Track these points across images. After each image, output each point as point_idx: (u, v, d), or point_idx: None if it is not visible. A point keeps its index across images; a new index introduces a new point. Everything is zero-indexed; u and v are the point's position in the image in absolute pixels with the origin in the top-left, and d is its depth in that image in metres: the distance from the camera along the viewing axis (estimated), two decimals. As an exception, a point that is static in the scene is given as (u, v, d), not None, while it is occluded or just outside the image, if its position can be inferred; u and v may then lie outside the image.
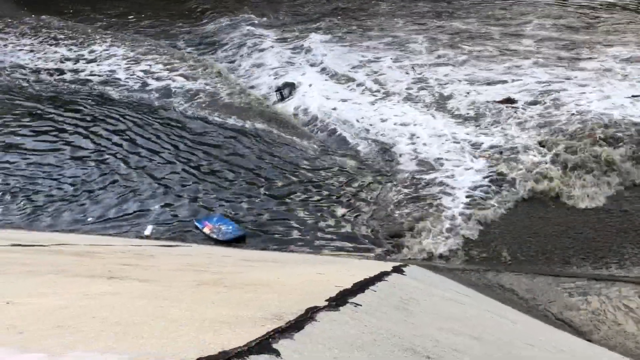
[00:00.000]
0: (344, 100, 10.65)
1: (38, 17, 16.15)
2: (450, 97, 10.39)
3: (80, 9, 17.25)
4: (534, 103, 9.79)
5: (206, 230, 6.89)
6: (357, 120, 9.85)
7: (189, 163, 8.71)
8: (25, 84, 12.13)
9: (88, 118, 10.32)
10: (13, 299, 2.10)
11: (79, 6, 17.53)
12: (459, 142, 8.83)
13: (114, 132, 9.76)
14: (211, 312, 2.08)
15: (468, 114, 9.73)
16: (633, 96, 9.56)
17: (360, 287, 2.86)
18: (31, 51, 13.93)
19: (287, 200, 7.67)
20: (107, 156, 8.93)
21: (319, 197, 7.70)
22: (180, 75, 12.25)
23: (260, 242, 6.80)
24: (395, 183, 7.94)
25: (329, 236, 6.88)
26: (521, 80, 10.76)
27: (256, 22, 15.60)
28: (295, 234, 6.93)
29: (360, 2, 16.75)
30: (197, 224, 7.06)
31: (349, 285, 2.80)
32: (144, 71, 12.57)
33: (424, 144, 8.89)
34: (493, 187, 7.55)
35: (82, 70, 12.79)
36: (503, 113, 9.57)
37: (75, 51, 13.80)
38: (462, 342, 2.48)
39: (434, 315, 3.07)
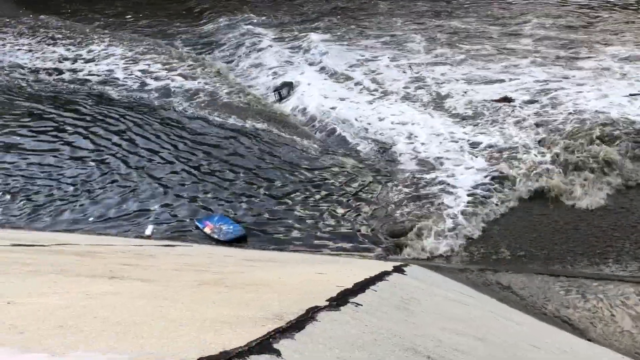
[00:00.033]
0: (343, 100, 10.65)
1: (36, 17, 16.16)
2: (448, 96, 10.40)
3: (78, 9, 17.26)
4: (532, 102, 9.80)
5: (207, 230, 6.88)
6: (356, 120, 9.86)
7: (189, 163, 8.71)
8: (24, 84, 12.14)
9: (88, 118, 10.33)
10: (14, 298, 2.10)
11: (76, 6, 17.55)
12: (457, 142, 8.83)
13: (114, 131, 9.77)
14: (212, 312, 2.08)
15: (466, 113, 9.74)
16: (631, 95, 9.56)
17: (361, 287, 2.86)
18: (29, 51, 13.94)
19: (287, 199, 7.67)
20: (107, 156, 8.93)
21: (319, 197, 7.70)
22: (179, 74, 12.25)
23: (260, 242, 6.80)
24: (395, 182, 7.94)
25: (329, 236, 6.87)
26: (519, 79, 10.77)
27: (255, 21, 15.61)
28: (295, 234, 6.93)
29: (359, 1, 16.76)
30: (197, 223, 7.06)
31: (349, 285, 2.80)
32: (143, 71, 12.58)
33: (423, 143, 8.89)
34: (494, 187, 7.54)
35: (81, 70, 12.80)
36: (501, 112, 9.58)
37: (73, 51, 13.81)
38: (465, 342, 2.48)
39: (436, 315, 3.07)
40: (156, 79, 12.16)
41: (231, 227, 6.91)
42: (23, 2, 17.60)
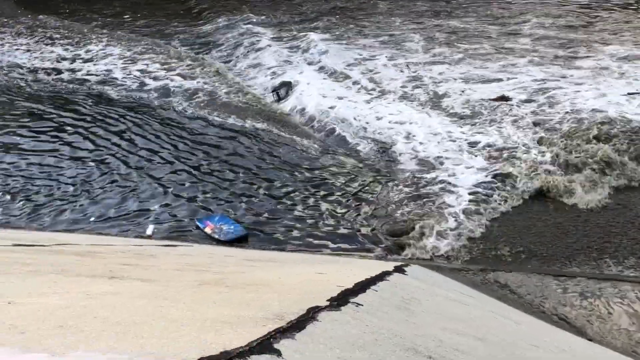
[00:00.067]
0: (341, 99, 10.64)
1: (35, 17, 16.16)
2: (445, 95, 10.41)
3: (76, 9, 17.26)
4: (530, 101, 9.81)
5: (208, 230, 6.88)
6: (355, 119, 9.86)
7: (189, 163, 8.71)
8: (23, 84, 12.14)
9: (87, 118, 10.33)
10: (15, 298, 2.10)
11: (75, 6, 17.54)
12: (455, 141, 8.84)
13: (114, 131, 9.77)
14: (212, 312, 2.08)
15: (464, 112, 9.75)
16: (629, 94, 9.57)
17: (362, 286, 2.85)
18: (28, 50, 13.95)
19: (287, 199, 7.67)
20: (107, 156, 8.93)
21: (319, 197, 7.70)
22: (178, 74, 12.25)
23: (260, 242, 6.79)
24: (395, 182, 7.93)
25: (329, 236, 6.87)
26: (517, 78, 10.79)
27: (254, 20, 15.60)
28: (295, 234, 6.92)
29: (358, 1, 16.77)
30: (198, 223, 7.06)
31: (350, 285, 2.80)
32: (141, 70, 12.58)
33: (422, 143, 8.89)
34: (494, 186, 7.54)
35: (79, 70, 12.80)
36: (498, 111, 9.58)
37: (71, 51, 13.81)
38: (466, 342, 2.48)
39: (437, 315, 3.07)
40: (155, 78, 12.16)
41: (232, 227, 6.91)
42: (22, 2, 17.61)
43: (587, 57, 11.50)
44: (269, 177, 8.25)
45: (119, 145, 9.26)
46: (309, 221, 7.14)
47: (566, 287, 5.27)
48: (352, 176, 8.19)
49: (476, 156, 8.35)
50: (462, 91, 10.46)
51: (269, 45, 13.62)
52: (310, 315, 2.05)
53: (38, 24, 15.70)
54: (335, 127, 9.69)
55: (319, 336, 1.87)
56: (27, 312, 1.92)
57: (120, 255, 4.37)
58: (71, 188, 8.06)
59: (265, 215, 7.33)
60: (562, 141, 8.33)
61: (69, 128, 9.94)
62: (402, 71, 11.65)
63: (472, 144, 8.69)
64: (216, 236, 6.76)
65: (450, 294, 4.07)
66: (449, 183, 7.70)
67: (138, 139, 9.51)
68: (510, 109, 9.56)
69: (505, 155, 8.24)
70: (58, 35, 14.77)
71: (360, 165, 8.54)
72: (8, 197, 7.84)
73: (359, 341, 1.98)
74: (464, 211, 7.03)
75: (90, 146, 9.28)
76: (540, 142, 8.48)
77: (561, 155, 7.96)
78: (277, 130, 9.82)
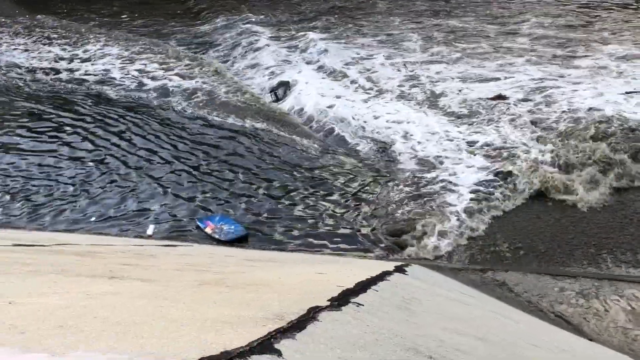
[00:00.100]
0: (339, 98, 10.64)
1: (32, 17, 16.14)
2: (442, 94, 10.41)
3: (74, 9, 17.24)
4: (528, 100, 9.81)
5: (208, 230, 6.87)
6: (353, 118, 9.85)
7: (189, 163, 8.70)
8: (21, 84, 12.12)
9: (86, 118, 10.31)
10: (15, 298, 2.09)
11: (72, 5, 17.52)
12: (452, 140, 8.84)
13: (113, 132, 9.76)
14: (213, 312, 2.08)
15: (461, 111, 9.75)
16: (627, 92, 9.57)
17: (363, 286, 2.85)
18: (26, 50, 13.93)
19: (287, 199, 7.66)
20: (107, 156, 8.92)
21: (319, 197, 7.69)
22: (176, 74, 12.23)
23: (260, 242, 6.79)
24: (395, 182, 7.93)
25: (329, 236, 6.86)
26: (514, 77, 10.79)
27: (253, 20, 15.60)
28: (295, 234, 6.91)
29: (357, 0, 16.76)
30: (199, 223, 7.05)
31: (351, 285, 2.80)
32: (139, 70, 12.56)
33: (420, 142, 8.90)
34: (494, 186, 7.54)
35: (77, 70, 12.78)
36: (496, 110, 9.58)
37: (69, 51, 13.79)
38: (466, 342, 2.47)
39: (438, 315, 3.07)
40: (153, 78, 12.15)
41: (232, 227, 6.90)
42: (20, 2, 17.58)
43: (586, 56, 11.51)
44: (268, 177, 8.24)
45: (118, 146, 9.25)
46: (309, 221, 7.14)
47: (567, 287, 5.27)
48: (352, 176, 8.18)
49: (475, 155, 8.35)
50: (460, 90, 10.47)
51: (268, 45, 13.62)
52: (311, 315, 2.04)
53: (36, 23, 15.69)
54: (334, 127, 9.69)
55: (320, 336, 1.86)
56: (27, 312, 1.91)
57: (120, 255, 4.36)
58: (71, 188, 8.05)
59: (265, 215, 7.32)
60: (560, 140, 8.33)
61: (68, 128, 9.93)
62: (399, 70, 11.65)
63: (471, 143, 8.69)
64: (216, 236, 6.76)
65: (451, 293, 4.07)
66: (450, 182, 7.70)
67: (137, 139, 9.50)
68: (508, 108, 9.56)
69: (504, 154, 8.24)
70: (56, 35, 14.75)
71: (360, 165, 8.53)
72: (8, 197, 7.83)
73: (359, 341, 1.98)
74: (465, 210, 7.03)
75: (90, 146, 9.27)
76: (539, 141, 8.48)
77: (560, 155, 7.96)
78: (277, 129, 9.81)
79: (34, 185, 8.11)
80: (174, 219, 7.29)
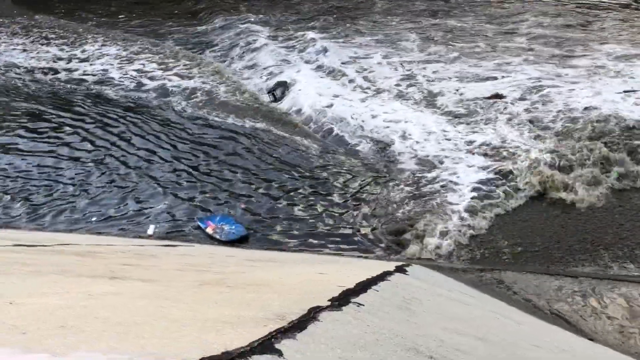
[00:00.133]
0: (338, 97, 10.63)
1: (30, 17, 16.13)
2: (440, 93, 10.41)
3: (72, 9, 17.22)
4: (525, 99, 9.81)
5: (209, 230, 6.88)
6: (352, 118, 9.85)
7: (189, 162, 8.71)
8: (20, 84, 12.12)
9: (86, 118, 10.31)
10: (16, 299, 2.09)
11: (70, 5, 17.51)
12: (450, 140, 8.85)
13: (113, 132, 9.76)
14: (213, 312, 2.08)
15: (459, 110, 9.75)
16: (625, 91, 9.57)
17: (363, 286, 2.85)
18: (24, 50, 13.92)
19: (287, 199, 7.66)
20: (106, 156, 8.92)
21: (318, 197, 7.70)
22: (175, 74, 12.21)
23: (260, 242, 6.79)
24: (395, 182, 7.93)
25: (329, 236, 6.87)
26: (511, 76, 10.80)
27: (252, 19, 15.59)
28: (296, 234, 6.92)
29: (356, 0, 16.75)
30: (199, 223, 7.05)
31: (351, 285, 2.80)
32: (138, 70, 12.54)
33: (418, 142, 8.89)
34: (495, 185, 7.54)
35: (76, 70, 12.77)
36: (493, 109, 9.59)
37: (67, 51, 13.77)
38: (466, 342, 2.48)
39: (438, 315, 3.07)
40: (152, 78, 12.14)
41: (233, 227, 6.91)
42: (18, 2, 17.56)
43: (584, 55, 11.51)
44: (268, 177, 8.25)
45: (118, 146, 9.25)
46: (309, 221, 7.14)
47: (566, 286, 5.27)
48: (352, 176, 8.18)
49: (474, 154, 8.35)
50: (457, 90, 10.47)
51: (266, 44, 13.61)
52: (312, 315, 2.04)
53: (33, 23, 15.68)
54: (333, 127, 9.69)
55: (320, 336, 1.86)
56: (27, 313, 1.91)
57: (120, 255, 4.36)
58: (70, 188, 8.05)
59: (265, 215, 7.33)
60: (559, 139, 8.33)
61: (68, 128, 9.93)
62: (396, 69, 11.66)
63: (469, 143, 8.69)
64: (217, 236, 6.76)
65: (451, 293, 4.07)
66: (451, 181, 7.70)
67: (137, 139, 9.50)
68: (505, 107, 9.57)
69: (504, 153, 8.24)
70: (53, 35, 14.74)
71: (360, 164, 8.53)
72: (8, 197, 7.84)
73: (360, 341, 1.98)
74: (466, 210, 7.03)
75: (90, 146, 9.27)
76: (537, 140, 8.48)
77: (559, 154, 7.96)
78: (276, 129, 9.81)
79: (33, 186, 8.11)
80: (174, 219, 7.30)
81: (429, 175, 7.93)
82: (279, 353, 1.59)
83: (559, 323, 4.71)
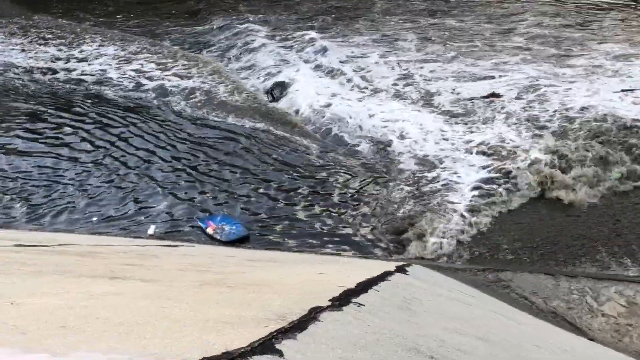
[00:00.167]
0: (336, 97, 10.63)
1: (28, 17, 16.12)
2: (437, 93, 10.41)
3: (70, 9, 17.20)
4: (522, 99, 9.82)
5: (209, 230, 6.88)
6: (351, 117, 9.85)
7: (189, 163, 8.70)
8: (19, 84, 12.11)
9: (85, 119, 10.29)
10: (16, 299, 2.09)
11: (68, 5, 17.49)
12: (448, 139, 8.85)
13: (113, 132, 9.75)
14: (214, 312, 2.08)
15: (456, 110, 9.75)
16: (622, 90, 9.58)
17: (364, 287, 2.85)
18: (22, 50, 13.90)
19: (286, 199, 7.66)
20: (106, 156, 8.92)
21: (318, 197, 7.70)
22: (174, 74, 12.20)
23: (260, 242, 6.79)
24: (395, 181, 7.93)
25: (329, 236, 6.87)
26: (508, 76, 10.80)
27: (251, 19, 15.58)
28: (296, 234, 6.92)
29: (355, 0, 16.75)
30: (200, 223, 7.05)
31: (352, 285, 2.80)
32: (136, 70, 12.51)
33: (416, 142, 8.89)
34: (496, 184, 7.54)
35: (74, 70, 12.74)
36: (489, 109, 9.59)
37: (65, 51, 13.75)
38: (467, 342, 2.48)
39: (439, 315, 3.07)
40: (150, 78, 12.12)
41: (234, 227, 6.90)
42: (17, 2, 17.53)
43: (582, 55, 11.52)
44: (268, 177, 8.24)
45: (118, 146, 9.24)
46: (309, 221, 7.14)
47: (567, 286, 5.27)
48: (352, 176, 8.18)
49: (471, 154, 8.35)
50: (454, 89, 10.48)
51: (265, 44, 13.60)
52: (312, 315, 2.04)
53: (31, 23, 15.66)
54: (332, 127, 9.68)
55: (321, 336, 1.86)
56: (28, 313, 1.91)
57: (122, 255, 4.36)
58: (70, 188, 8.05)
59: (265, 215, 7.33)
60: (557, 139, 8.33)
61: (67, 128, 9.92)
62: (393, 69, 11.66)
63: (467, 143, 8.69)
64: (218, 237, 6.76)
65: (452, 293, 4.07)
66: (451, 181, 7.70)
67: (137, 139, 9.49)
68: (503, 107, 9.57)
69: (503, 153, 8.24)
70: (51, 35, 14.71)
71: (359, 164, 8.53)
72: (8, 197, 7.83)
73: (360, 341, 1.98)
74: (466, 210, 7.03)
75: (89, 147, 9.26)
76: (536, 139, 8.48)
77: (558, 153, 7.96)
78: (275, 129, 9.80)
79: (33, 186, 8.11)
80: (174, 219, 7.30)
81: (429, 175, 7.93)
82: (280, 353, 1.59)
83: (559, 322, 4.72)
